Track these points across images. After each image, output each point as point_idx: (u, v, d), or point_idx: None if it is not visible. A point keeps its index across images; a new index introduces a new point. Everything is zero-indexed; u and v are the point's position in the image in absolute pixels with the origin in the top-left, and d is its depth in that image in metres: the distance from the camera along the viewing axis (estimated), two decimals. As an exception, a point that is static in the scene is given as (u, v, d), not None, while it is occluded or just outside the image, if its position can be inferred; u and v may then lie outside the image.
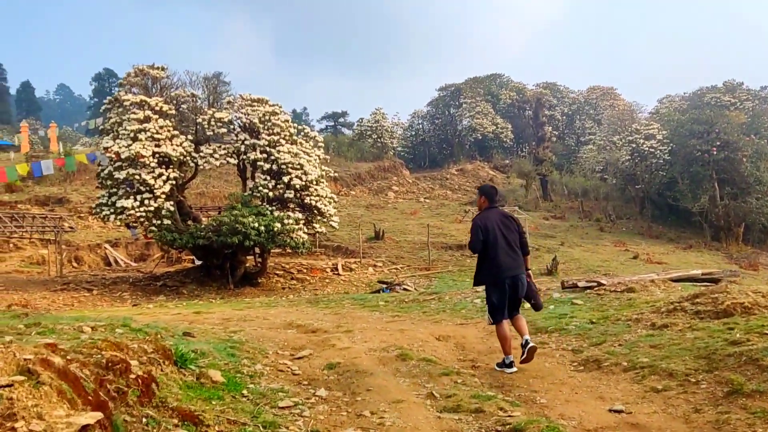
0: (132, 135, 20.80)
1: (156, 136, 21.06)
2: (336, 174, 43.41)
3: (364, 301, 12.48)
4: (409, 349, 7.28)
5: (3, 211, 29.39)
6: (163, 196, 21.14)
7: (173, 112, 22.20)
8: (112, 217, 21.38)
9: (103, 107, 23.19)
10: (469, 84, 69.66)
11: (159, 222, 21.37)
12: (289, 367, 6.60)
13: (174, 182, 21.60)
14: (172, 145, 21.36)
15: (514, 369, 6.48)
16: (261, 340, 7.83)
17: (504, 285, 6.62)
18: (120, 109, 21.96)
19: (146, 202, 20.92)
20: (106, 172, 21.70)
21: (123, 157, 20.66)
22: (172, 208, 21.52)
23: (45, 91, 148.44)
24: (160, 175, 21.09)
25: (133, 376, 4.71)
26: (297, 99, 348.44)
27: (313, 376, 6.31)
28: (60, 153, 40.08)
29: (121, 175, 20.98)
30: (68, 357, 4.22)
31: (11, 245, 29.14)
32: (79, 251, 29.13)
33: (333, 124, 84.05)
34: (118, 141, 20.92)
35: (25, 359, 3.72)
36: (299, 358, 7.03)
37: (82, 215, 32.87)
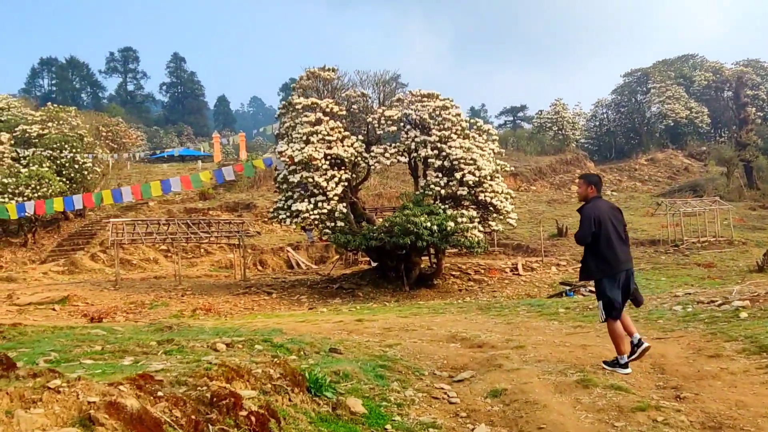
0: (304, 138, 20.84)
1: (327, 138, 20.95)
2: (514, 169, 41.89)
3: (541, 308, 11.16)
4: (592, 372, 6.01)
5: (196, 217, 31.03)
6: (336, 198, 20.98)
7: (344, 113, 22.02)
8: (288, 220, 21.57)
9: (278, 112, 23.51)
10: (657, 67, 65.03)
11: (333, 224, 21.24)
12: (445, 394, 5.60)
13: (346, 184, 21.39)
14: (343, 146, 21.14)
15: (629, 370, 6.14)
16: (417, 357, 6.90)
17: (620, 278, 6.40)
18: (293, 113, 22.10)
19: (320, 204, 20.86)
20: (281, 176, 21.94)
21: (296, 160, 20.74)
22: (345, 210, 21.30)
23: (239, 104, 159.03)
24: (333, 177, 20.95)
25: (244, 413, 3.89)
26: (475, 96, 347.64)
27: (474, 406, 5.26)
28: (245, 160, 41.92)
29: (295, 178, 21.09)
30: (159, 393, 3.47)
31: (202, 250, 30.64)
32: (263, 254, 30.02)
33: (512, 119, 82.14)
34: (291, 145, 21.05)
35: (89, 402, 2.99)
36: (459, 381, 6.01)
37: (266, 220, 33.96)
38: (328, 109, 21.45)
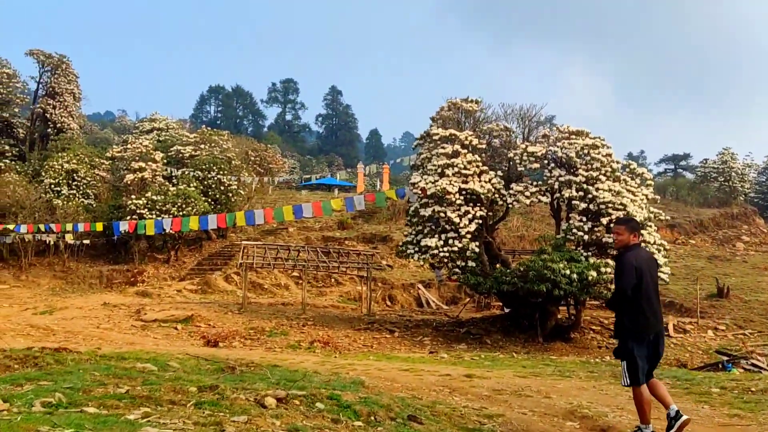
0: (439, 170, 19.75)
1: (464, 171, 19.72)
2: (671, 219, 38.64)
3: (690, 384, 9.20)
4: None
5: (332, 246, 30.69)
6: (469, 236, 19.64)
7: (483, 146, 20.76)
8: (417, 255, 20.46)
9: (415, 143, 22.60)
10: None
11: (463, 263, 19.88)
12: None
13: (481, 221, 20.01)
14: (480, 181, 19.82)
15: None
16: (520, 439, 5.44)
17: (649, 341, 5.85)
18: (430, 144, 21.08)
19: (451, 241, 19.60)
20: (413, 209, 20.93)
21: (429, 193, 19.67)
22: (477, 249, 19.90)
23: (392, 138, 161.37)
24: (466, 213, 19.66)
25: None
26: (634, 142, 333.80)
27: None
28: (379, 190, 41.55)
29: (426, 212, 19.99)
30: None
31: (332, 280, 30.15)
32: (393, 290, 29.07)
33: (673, 167, 77.16)
34: (425, 176, 20.02)
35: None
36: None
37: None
38: (467, 142, 20.25)
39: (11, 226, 28.92)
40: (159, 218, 26.16)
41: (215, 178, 34.51)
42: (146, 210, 30.80)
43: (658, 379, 6.21)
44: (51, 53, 43.24)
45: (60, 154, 36.09)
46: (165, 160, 35.72)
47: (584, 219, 19.32)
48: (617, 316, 5.97)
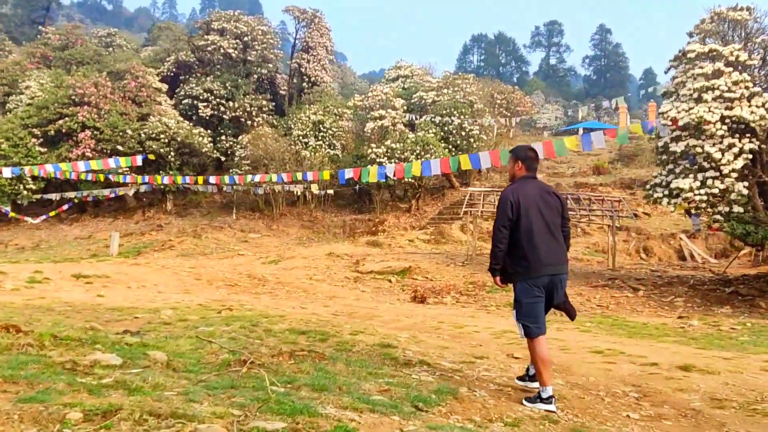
0: (694, 95, 16.02)
1: (727, 95, 15.77)
2: None
3: None
4: None
5: (582, 193, 27.63)
6: (734, 175, 15.75)
7: (755, 62, 16.49)
8: (665, 200, 16.98)
9: (668, 65, 18.78)
10: None
11: (727, 209, 16.08)
12: None
13: (751, 157, 15.97)
14: (749, 106, 15.74)
15: (553, 407, 4.90)
16: None
17: (541, 284, 5.12)
18: (686, 65, 17.28)
19: (709, 182, 15.89)
20: (662, 144, 17.40)
21: (681, 124, 16.06)
22: (745, 191, 15.92)
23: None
24: (731, 146, 15.76)
25: None
26: None
27: None
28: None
29: (678, 147, 16.41)
30: None
31: (579, 230, 27.12)
32: (649, 240, 25.33)
33: None
34: (675, 104, 16.40)
35: None
36: None
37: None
38: (732, 58, 16.19)
39: (273, 177, 29.88)
40: (383, 165, 25.17)
41: (456, 124, 32.91)
42: (385, 158, 30.23)
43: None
44: (305, 8, 44.56)
45: (308, 106, 36.95)
46: (405, 108, 34.90)
47: None
48: (504, 255, 5.25)
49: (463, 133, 33.01)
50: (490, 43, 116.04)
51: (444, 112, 33.38)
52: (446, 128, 32.93)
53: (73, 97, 33.93)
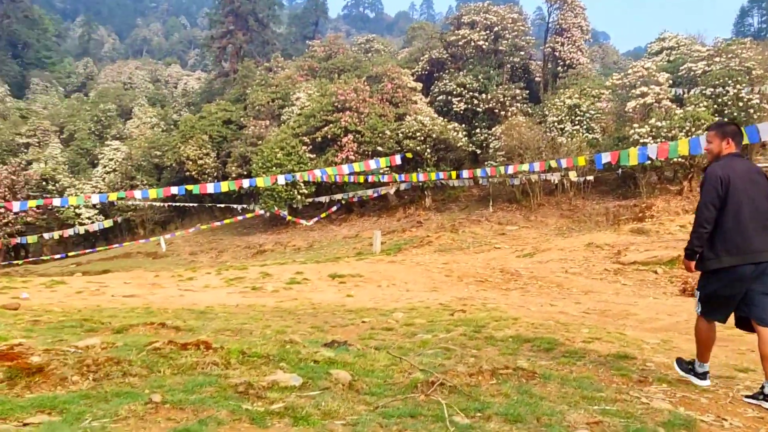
0: None
1: None
2: None
3: None
4: None
5: None
6: None
7: None
8: None
9: None
10: None
11: None
12: None
13: None
14: None
15: (708, 382, 4.79)
16: None
17: (741, 274, 4.50)
18: None
19: None
20: None
21: None
22: None
23: None
24: None
25: None
26: None
27: None
28: None
29: None
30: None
31: None
32: None
33: None
34: None
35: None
36: None
37: None
38: None
39: (525, 167, 29.13)
40: (645, 146, 23.08)
41: (731, 94, 29.37)
42: (650, 138, 27.90)
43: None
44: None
45: (563, 90, 35.44)
46: (670, 82, 31.91)
47: None
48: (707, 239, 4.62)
49: (741, 104, 29.34)
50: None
51: (717, 82, 29.97)
52: (720, 100, 29.52)
53: (335, 104, 36.02)
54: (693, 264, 4.84)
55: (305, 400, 3.74)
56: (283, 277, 15.25)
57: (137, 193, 26.35)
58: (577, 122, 33.02)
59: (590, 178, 30.66)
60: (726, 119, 22.27)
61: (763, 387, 4.59)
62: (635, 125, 29.09)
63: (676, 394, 4.67)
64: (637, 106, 30.24)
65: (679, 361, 5.09)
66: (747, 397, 4.67)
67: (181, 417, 3.36)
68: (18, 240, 38.12)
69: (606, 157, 20.80)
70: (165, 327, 6.59)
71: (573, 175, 30.19)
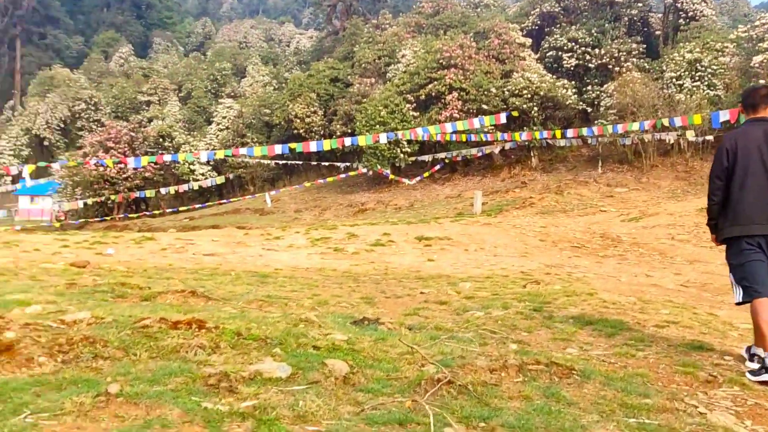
0: None
1: None
2: None
3: None
4: None
5: None
6: None
7: None
8: None
9: None
10: None
11: None
12: None
13: None
14: None
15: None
16: None
17: (758, 243, 4.32)
18: None
19: None
20: None
21: None
22: None
23: None
24: None
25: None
26: None
27: None
28: None
29: None
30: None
31: None
32: None
33: None
34: None
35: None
36: None
37: None
38: None
39: (635, 126, 27.67)
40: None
41: None
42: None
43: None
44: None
45: (683, 45, 33.18)
46: (804, 33, 29.30)
47: None
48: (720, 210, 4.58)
49: None
50: None
51: None
52: None
53: (440, 61, 35.30)
54: (714, 237, 4.78)
55: (284, 397, 3.39)
56: (369, 239, 15.10)
57: (243, 151, 26.79)
58: (697, 78, 30.89)
59: (710, 137, 28.69)
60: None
61: (764, 359, 4.26)
62: (762, 81, 26.91)
63: (747, 402, 3.83)
64: (765, 60, 27.92)
65: (750, 358, 4.48)
66: (751, 373, 4.28)
67: (130, 414, 3.06)
68: (137, 194, 39.99)
69: (724, 115, 19.29)
70: (195, 295, 6.39)
71: (690, 135, 28.36)
